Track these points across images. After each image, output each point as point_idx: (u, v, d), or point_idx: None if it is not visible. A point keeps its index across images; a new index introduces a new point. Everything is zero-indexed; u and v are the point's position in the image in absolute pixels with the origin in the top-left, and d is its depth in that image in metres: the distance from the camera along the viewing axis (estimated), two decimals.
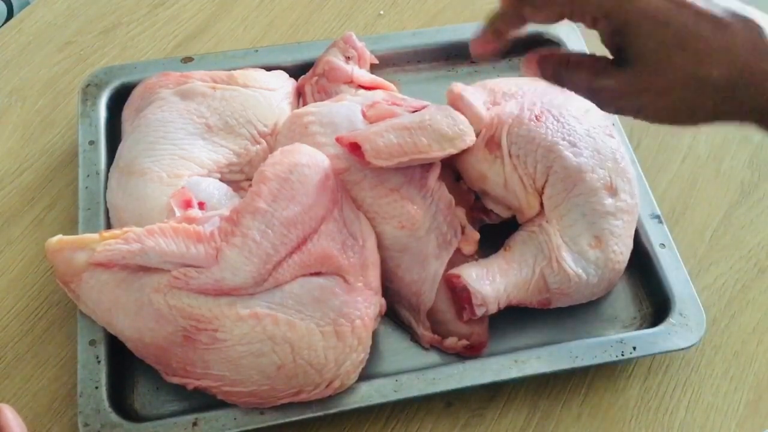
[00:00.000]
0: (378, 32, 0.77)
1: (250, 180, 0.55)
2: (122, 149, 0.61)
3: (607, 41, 0.44)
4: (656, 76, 0.41)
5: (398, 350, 0.58)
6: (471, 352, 0.57)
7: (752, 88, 0.40)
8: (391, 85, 0.66)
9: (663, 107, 0.42)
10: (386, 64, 0.71)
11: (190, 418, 0.52)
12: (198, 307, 0.51)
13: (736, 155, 0.71)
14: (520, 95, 0.61)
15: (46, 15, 0.77)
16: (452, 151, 0.56)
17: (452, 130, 0.56)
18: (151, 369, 0.54)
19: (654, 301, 0.60)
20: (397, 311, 0.58)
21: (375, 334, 0.55)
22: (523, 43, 0.73)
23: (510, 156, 0.57)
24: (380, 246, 0.56)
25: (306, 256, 0.52)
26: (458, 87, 0.60)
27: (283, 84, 0.66)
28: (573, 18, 0.44)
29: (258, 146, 0.61)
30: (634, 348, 0.56)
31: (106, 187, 0.61)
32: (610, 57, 0.44)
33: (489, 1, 0.81)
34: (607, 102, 0.45)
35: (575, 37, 0.73)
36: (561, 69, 0.46)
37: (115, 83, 0.67)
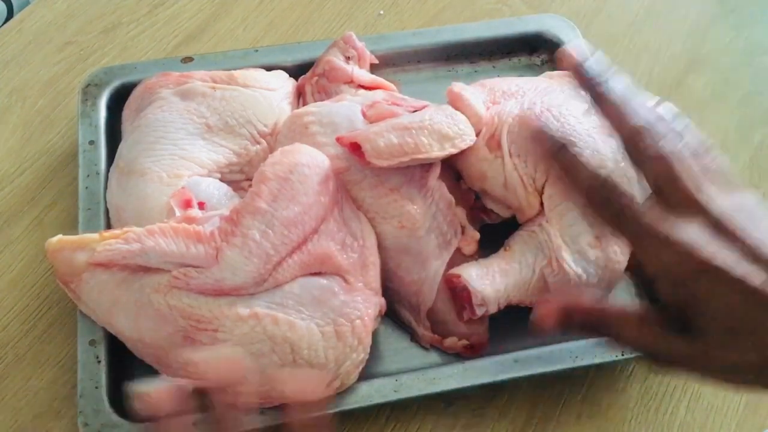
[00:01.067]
0: (378, 32, 0.77)
1: (250, 180, 0.55)
2: (122, 149, 0.61)
3: (668, 303, 0.42)
4: (721, 358, 0.40)
5: (398, 350, 0.58)
6: (471, 352, 0.57)
7: None
8: (391, 85, 0.66)
9: (725, 379, 0.41)
10: (386, 64, 0.71)
11: (190, 418, 0.52)
12: (198, 307, 0.51)
13: (736, 155, 0.71)
14: (520, 95, 0.61)
15: (46, 15, 0.77)
16: (452, 150, 0.56)
17: (452, 130, 0.56)
18: (151, 369, 0.54)
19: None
20: (397, 311, 0.58)
21: (375, 334, 0.55)
22: (523, 43, 0.74)
23: (510, 155, 0.57)
24: (380, 246, 0.56)
25: (306, 256, 0.52)
26: (458, 87, 0.60)
27: (283, 84, 0.66)
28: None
29: (258, 146, 0.61)
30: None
31: (106, 187, 0.61)
32: (645, 307, 0.43)
33: (489, 1, 0.81)
34: (661, 362, 0.43)
35: (574, 36, 0.73)
36: (598, 325, 0.44)
37: (115, 83, 0.67)
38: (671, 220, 0.41)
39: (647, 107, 0.45)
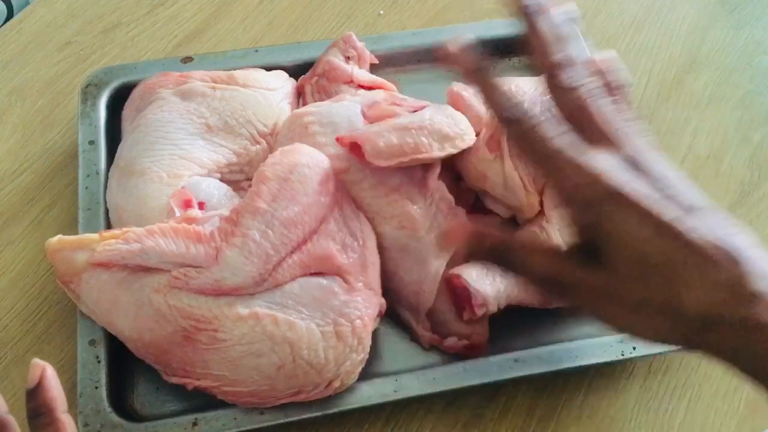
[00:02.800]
0: (378, 32, 0.77)
1: (250, 180, 0.55)
2: (122, 149, 0.61)
3: (577, 230, 0.42)
4: (629, 291, 0.39)
5: (398, 350, 0.58)
6: (471, 352, 0.56)
7: (726, 329, 0.38)
8: (391, 85, 0.66)
9: (630, 320, 0.40)
10: (386, 64, 0.71)
11: (190, 418, 0.52)
12: (198, 307, 0.51)
13: (736, 155, 0.71)
14: (520, 95, 0.61)
15: (46, 15, 0.77)
16: (452, 151, 0.56)
17: (452, 130, 0.56)
18: (151, 369, 0.54)
19: None
20: (397, 311, 0.58)
21: (375, 334, 0.55)
22: (522, 42, 0.74)
23: (510, 155, 0.57)
24: (380, 246, 0.56)
25: (306, 256, 0.52)
26: (458, 87, 0.60)
27: (283, 84, 0.66)
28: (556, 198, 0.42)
29: (258, 146, 0.61)
30: (634, 348, 0.56)
31: (106, 187, 0.61)
32: (564, 244, 0.42)
33: (489, 1, 0.81)
34: (566, 295, 0.42)
35: None
36: (506, 251, 0.43)
37: (115, 83, 0.67)
38: (584, 147, 0.41)
39: (576, 46, 0.44)
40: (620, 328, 0.42)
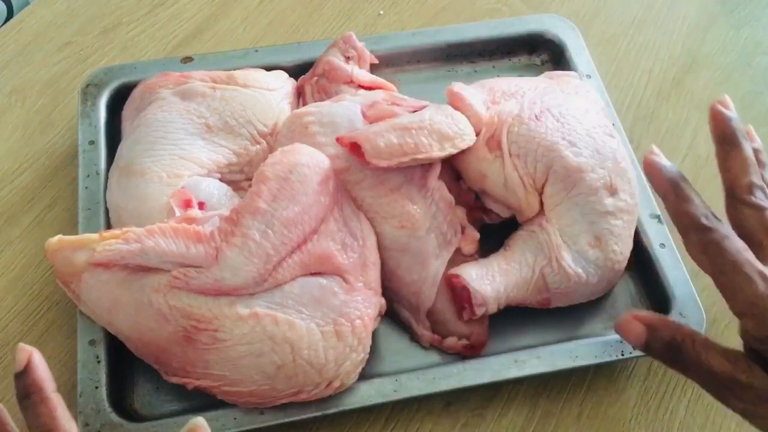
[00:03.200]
0: (378, 32, 0.77)
1: (250, 180, 0.55)
2: (122, 149, 0.61)
3: (752, 341, 0.43)
4: None
5: (398, 350, 0.58)
6: (471, 352, 0.57)
7: None
8: (391, 85, 0.66)
9: None
10: (386, 64, 0.71)
11: (190, 418, 0.51)
12: (198, 307, 0.51)
13: None
14: (520, 94, 0.61)
15: (46, 15, 0.77)
16: (452, 150, 0.56)
17: (452, 130, 0.56)
18: (151, 369, 0.54)
19: (654, 301, 0.60)
20: (397, 311, 0.58)
21: (375, 334, 0.55)
22: (523, 43, 0.74)
23: (510, 155, 0.57)
24: (380, 246, 0.56)
25: (306, 256, 0.52)
26: (458, 86, 0.60)
27: (283, 84, 0.66)
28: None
29: (258, 146, 0.61)
30: (634, 348, 0.56)
31: (106, 187, 0.61)
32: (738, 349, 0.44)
33: (489, 1, 0.81)
34: (737, 397, 0.43)
35: (574, 36, 0.73)
36: (683, 345, 0.44)
37: (115, 83, 0.67)
38: (765, 262, 0.43)
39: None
40: None
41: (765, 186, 0.47)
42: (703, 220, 0.45)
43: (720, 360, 0.43)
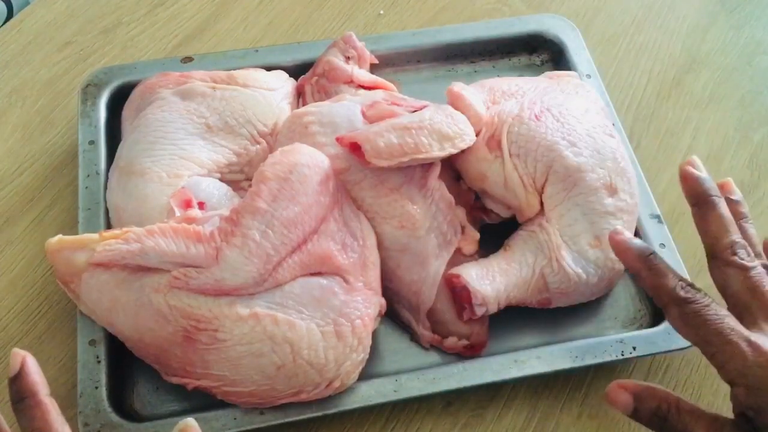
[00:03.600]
0: (378, 32, 0.77)
1: (250, 180, 0.55)
2: (122, 149, 0.61)
3: (740, 410, 0.43)
4: None
5: (398, 350, 0.58)
6: (471, 352, 0.57)
7: None
8: (391, 85, 0.66)
9: None
10: (386, 64, 0.71)
11: (190, 418, 0.52)
12: (198, 307, 0.51)
13: (736, 155, 0.71)
14: (519, 94, 0.61)
15: (46, 15, 0.77)
16: (452, 150, 0.56)
17: (452, 130, 0.56)
18: (151, 369, 0.54)
19: (654, 302, 0.60)
20: (397, 311, 0.58)
21: (375, 334, 0.55)
22: (523, 43, 0.74)
23: (510, 155, 0.57)
24: (380, 246, 0.56)
25: (306, 256, 0.52)
26: (458, 86, 0.60)
27: (283, 84, 0.66)
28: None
29: (258, 146, 0.61)
30: (634, 348, 0.56)
31: (106, 187, 0.61)
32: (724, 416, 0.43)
33: (489, 1, 0.81)
34: None
35: (574, 36, 0.73)
36: (668, 414, 0.44)
37: (115, 83, 0.67)
38: (748, 327, 0.43)
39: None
40: None
41: (746, 244, 0.47)
42: (681, 292, 0.45)
43: (705, 429, 0.43)
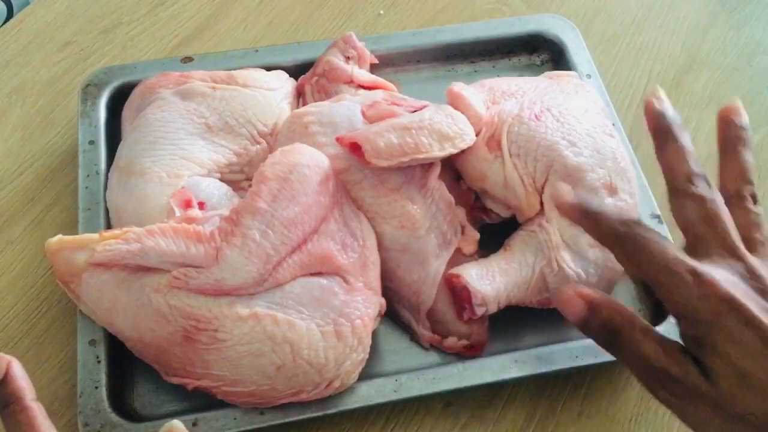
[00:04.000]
0: (378, 32, 0.77)
1: (250, 180, 0.55)
2: (122, 149, 0.61)
3: (684, 340, 0.42)
4: (730, 403, 0.39)
5: (398, 350, 0.58)
6: (471, 352, 0.57)
7: None
8: (391, 85, 0.66)
9: (722, 426, 0.40)
10: (386, 64, 0.71)
11: (190, 418, 0.52)
12: (198, 307, 0.51)
13: None
14: (519, 94, 0.61)
15: (46, 15, 0.77)
16: (452, 150, 0.56)
17: (452, 130, 0.56)
18: (151, 369, 0.54)
19: (654, 301, 0.60)
20: (397, 311, 0.58)
21: (375, 334, 0.55)
22: (523, 43, 0.74)
23: (510, 155, 0.57)
24: (380, 246, 0.56)
25: (306, 256, 0.52)
26: (458, 86, 0.60)
27: (283, 84, 0.66)
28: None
29: (258, 146, 0.61)
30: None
31: (106, 187, 0.61)
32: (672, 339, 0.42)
33: (489, 1, 0.81)
34: (668, 390, 0.41)
35: (574, 36, 0.73)
36: (622, 328, 0.43)
37: (115, 83, 0.67)
38: (700, 258, 0.42)
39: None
40: None
41: (705, 174, 0.46)
42: (621, 228, 0.43)
43: (656, 349, 0.41)
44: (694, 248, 0.44)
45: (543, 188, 0.57)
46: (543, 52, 0.74)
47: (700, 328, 0.40)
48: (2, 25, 0.79)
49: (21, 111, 0.71)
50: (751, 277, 0.41)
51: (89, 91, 0.67)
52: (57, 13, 0.77)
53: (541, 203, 0.57)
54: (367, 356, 0.53)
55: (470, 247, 0.58)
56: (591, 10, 0.81)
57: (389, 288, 0.57)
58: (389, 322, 0.58)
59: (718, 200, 0.45)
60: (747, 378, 0.39)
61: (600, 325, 0.44)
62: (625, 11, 0.81)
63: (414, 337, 0.58)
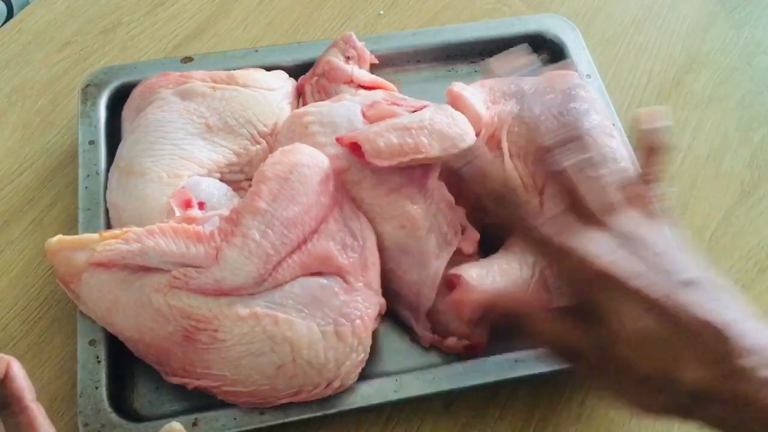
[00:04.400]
0: (378, 32, 0.77)
1: (250, 180, 0.55)
2: (122, 149, 0.61)
3: (579, 307, 0.42)
4: (629, 366, 0.39)
5: (398, 350, 0.58)
6: (471, 352, 0.56)
7: (717, 405, 0.38)
8: (391, 85, 0.66)
9: (632, 394, 0.41)
10: (386, 64, 0.71)
11: (190, 418, 0.52)
12: (198, 307, 0.51)
13: (736, 155, 0.71)
14: (519, 94, 0.61)
15: (46, 15, 0.77)
16: (452, 150, 0.56)
17: (452, 130, 0.56)
18: (151, 369, 0.54)
19: None
20: (397, 311, 0.58)
21: (375, 334, 0.55)
22: (523, 42, 0.74)
23: (510, 155, 0.57)
24: (380, 246, 0.56)
25: (306, 256, 0.52)
26: (458, 86, 0.60)
27: (283, 84, 0.66)
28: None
29: (258, 146, 0.61)
30: None
31: (106, 187, 0.61)
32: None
33: (489, 1, 0.81)
34: (575, 362, 0.42)
35: (574, 36, 0.73)
36: (520, 313, 0.43)
37: (115, 83, 0.67)
38: (573, 229, 0.42)
39: (569, 124, 0.47)
40: (625, 403, 0.42)
41: (565, 138, 0.45)
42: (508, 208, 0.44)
43: (551, 323, 0.42)
44: (571, 213, 0.44)
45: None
46: (543, 52, 0.74)
47: (586, 296, 0.41)
48: (2, 25, 0.79)
49: (21, 111, 0.71)
50: (618, 237, 0.41)
51: (89, 91, 0.67)
52: (57, 13, 0.77)
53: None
54: (367, 356, 0.53)
55: (470, 248, 0.58)
56: (591, 10, 0.81)
57: (389, 288, 0.57)
58: (389, 322, 0.58)
59: (572, 168, 0.44)
60: (635, 343, 0.39)
61: (499, 316, 0.45)
62: (625, 11, 0.81)
63: (414, 337, 0.58)
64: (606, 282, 0.40)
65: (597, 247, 0.41)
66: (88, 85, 0.67)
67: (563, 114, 0.58)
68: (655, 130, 0.47)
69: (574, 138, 0.45)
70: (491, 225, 0.61)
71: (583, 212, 0.43)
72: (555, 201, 0.44)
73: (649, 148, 0.46)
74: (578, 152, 0.45)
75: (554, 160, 0.44)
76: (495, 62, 0.49)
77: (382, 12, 0.79)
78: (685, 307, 0.39)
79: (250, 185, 0.53)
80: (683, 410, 0.40)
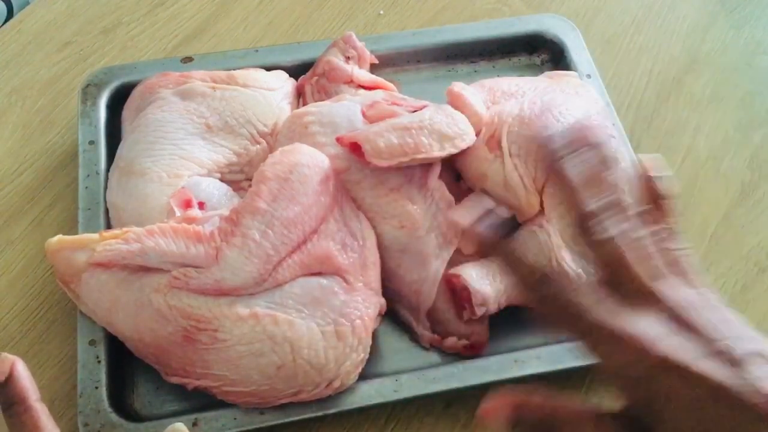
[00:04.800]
0: (378, 32, 0.77)
1: (250, 180, 0.55)
2: (122, 149, 0.61)
3: (628, 402, 0.38)
4: None
5: (398, 350, 0.58)
6: (471, 352, 0.56)
7: None
8: (391, 85, 0.66)
9: None
10: (386, 64, 0.71)
11: (190, 418, 0.52)
12: (198, 307, 0.51)
13: (736, 155, 0.71)
14: (520, 95, 0.61)
15: (46, 15, 0.77)
16: (452, 150, 0.56)
17: (452, 130, 0.56)
18: (151, 369, 0.54)
19: None
20: (397, 311, 0.58)
21: (375, 334, 0.55)
22: (523, 43, 0.74)
23: (510, 155, 0.57)
24: (380, 246, 0.56)
25: (306, 256, 0.52)
26: (458, 86, 0.60)
27: (283, 84, 0.66)
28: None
29: (258, 146, 0.61)
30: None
31: (106, 187, 0.61)
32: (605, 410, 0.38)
33: (489, 1, 0.81)
34: None
35: (574, 36, 0.73)
36: (553, 425, 0.39)
37: (115, 83, 0.67)
38: (623, 313, 0.38)
39: (610, 184, 0.42)
40: None
41: (606, 205, 0.41)
42: (542, 285, 0.40)
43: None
44: (611, 287, 0.40)
45: (543, 188, 0.57)
46: (543, 52, 0.74)
47: (643, 389, 0.37)
48: (2, 25, 0.79)
49: (21, 111, 0.71)
50: (672, 317, 0.38)
51: (89, 91, 0.67)
52: (57, 13, 0.77)
53: (541, 203, 0.57)
54: (367, 356, 0.53)
55: (470, 247, 0.58)
56: (591, 10, 0.81)
57: (389, 288, 0.57)
58: (389, 322, 0.58)
59: (616, 236, 0.40)
60: (704, 426, 0.36)
61: (529, 428, 0.41)
62: (625, 11, 0.81)
63: (414, 337, 0.58)
64: (668, 371, 0.36)
65: (652, 333, 0.37)
66: (88, 85, 0.67)
67: (563, 114, 0.58)
68: (664, 178, 0.44)
69: (615, 203, 0.41)
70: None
71: (629, 290, 0.39)
72: (594, 272, 0.40)
73: (658, 195, 0.44)
74: (622, 218, 0.41)
75: (601, 228, 0.40)
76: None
77: (382, 12, 0.79)
78: (747, 386, 0.35)
79: (250, 185, 0.53)
80: None
